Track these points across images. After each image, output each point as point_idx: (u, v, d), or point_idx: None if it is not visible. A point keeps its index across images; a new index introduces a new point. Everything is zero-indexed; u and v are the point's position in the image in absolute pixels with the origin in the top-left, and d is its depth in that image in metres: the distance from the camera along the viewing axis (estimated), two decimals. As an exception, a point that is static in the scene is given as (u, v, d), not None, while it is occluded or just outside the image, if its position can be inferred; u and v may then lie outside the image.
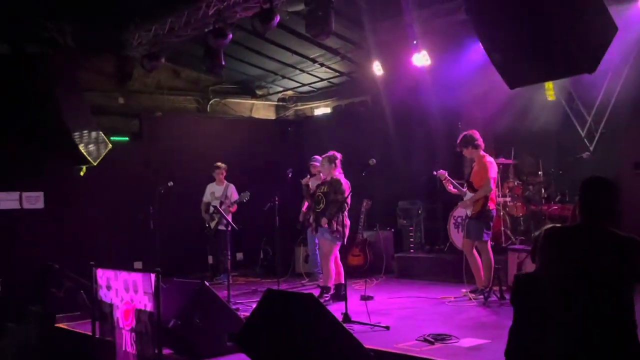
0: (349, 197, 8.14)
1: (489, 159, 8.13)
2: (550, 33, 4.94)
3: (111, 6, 9.26)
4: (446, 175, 8.36)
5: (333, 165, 8.48)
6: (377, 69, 10.50)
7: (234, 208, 10.59)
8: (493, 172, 8.05)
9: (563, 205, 9.01)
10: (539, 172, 9.42)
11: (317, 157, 9.77)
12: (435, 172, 8.49)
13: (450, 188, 8.39)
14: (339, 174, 8.47)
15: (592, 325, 3.18)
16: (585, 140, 9.42)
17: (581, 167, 8.72)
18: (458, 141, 8.27)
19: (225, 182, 11.08)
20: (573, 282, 3.25)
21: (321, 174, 9.25)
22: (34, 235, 10.61)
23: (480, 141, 8.14)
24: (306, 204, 9.95)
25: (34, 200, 10.74)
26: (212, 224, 10.79)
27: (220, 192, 10.92)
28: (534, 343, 3.36)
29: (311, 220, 9.43)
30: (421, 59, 9.75)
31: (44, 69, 9.90)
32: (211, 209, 10.78)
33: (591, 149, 9.24)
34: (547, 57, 5.06)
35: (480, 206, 7.97)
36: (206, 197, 11.07)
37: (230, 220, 9.24)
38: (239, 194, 10.61)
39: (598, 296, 3.19)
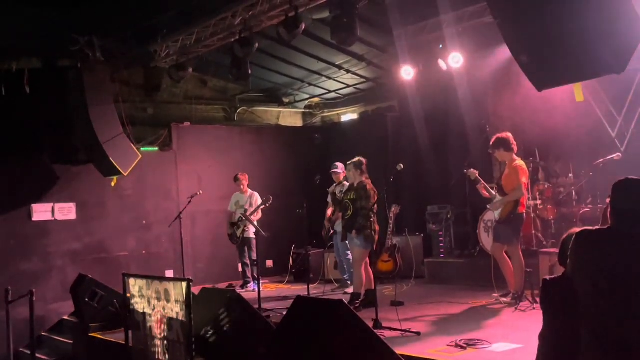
0: (375, 203, 8.12)
1: (520, 163, 8.02)
2: (578, 34, 4.89)
3: (139, 19, 9.38)
4: (477, 174, 8.27)
5: (359, 171, 8.47)
6: (405, 73, 10.48)
7: (257, 215, 10.58)
8: (524, 177, 7.96)
9: (595, 207, 8.88)
10: (570, 174, 9.30)
11: (337, 164, 9.82)
12: (465, 170, 8.41)
13: (482, 190, 8.30)
14: (365, 180, 8.46)
15: (625, 331, 3.13)
16: (616, 140, 9.28)
17: (612, 168, 8.57)
18: (491, 142, 8.18)
19: (249, 190, 11.08)
20: (605, 288, 3.20)
21: (344, 182, 9.34)
22: (66, 246, 10.80)
23: (513, 145, 8.00)
24: (329, 210, 9.97)
25: (67, 211, 10.92)
26: (239, 232, 10.81)
27: (245, 201, 10.94)
28: (564, 348, 3.32)
29: (336, 227, 9.50)
30: (448, 62, 9.74)
31: (75, 82, 10.07)
32: (236, 217, 10.82)
33: (622, 149, 9.09)
34: (574, 58, 5.01)
35: (507, 211, 7.89)
36: (231, 207, 11.09)
37: (258, 227, 9.28)
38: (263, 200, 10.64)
39: (631, 302, 3.14)
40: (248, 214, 10.35)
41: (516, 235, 7.94)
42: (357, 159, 8.57)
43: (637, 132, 9.10)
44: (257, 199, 10.92)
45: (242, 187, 11.01)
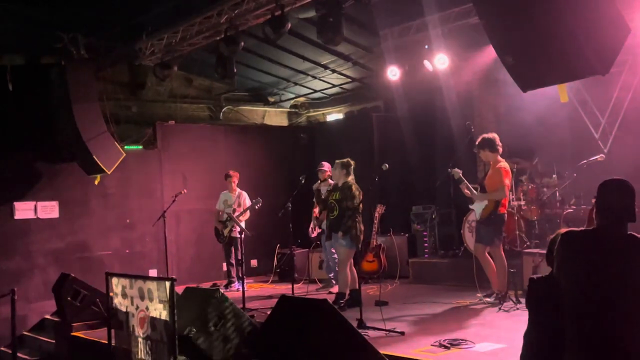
0: (361, 203, 8.13)
1: (504, 165, 8.06)
2: (563, 35, 4.91)
3: (123, 16, 9.32)
4: (460, 174, 8.29)
5: (345, 171, 8.45)
6: (391, 73, 10.50)
7: (245, 215, 10.56)
8: (507, 178, 7.99)
9: (578, 208, 8.94)
10: (553, 175, 9.35)
11: (324, 163, 9.82)
12: (449, 170, 8.42)
13: (465, 190, 8.32)
14: (350, 180, 8.45)
15: (609, 330, 3.14)
16: (600, 142, 9.34)
17: (596, 170, 8.63)
18: (477, 142, 8.21)
19: (238, 189, 11.05)
20: (592, 288, 3.21)
21: (329, 179, 9.35)
22: (49, 245, 10.70)
23: (499, 146, 8.04)
24: (316, 209, 9.96)
25: (49, 209, 10.81)
26: (225, 232, 10.78)
27: (233, 200, 10.91)
28: (549, 347, 3.33)
29: (321, 227, 9.47)
30: (434, 63, 9.77)
31: (59, 79, 9.99)
32: (224, 216, 10.79)
33: (605, 150, 9.16)
34: (559, 59, 5.03)
35: (488, 211, 7.93)
36: (219, 206, 11.04)
37: (243, 227, 9.26)
38: (251, 201, 10.62)
39: (615, 302, 3.15)
40: (235, 214, 10.33)
41: (497, 236, 7.97)
42: (346, 159, 8.53)
43: (620, 133, 9.16)
44: (246, 199, 10.89)
45: (232, 184, 10.97)
